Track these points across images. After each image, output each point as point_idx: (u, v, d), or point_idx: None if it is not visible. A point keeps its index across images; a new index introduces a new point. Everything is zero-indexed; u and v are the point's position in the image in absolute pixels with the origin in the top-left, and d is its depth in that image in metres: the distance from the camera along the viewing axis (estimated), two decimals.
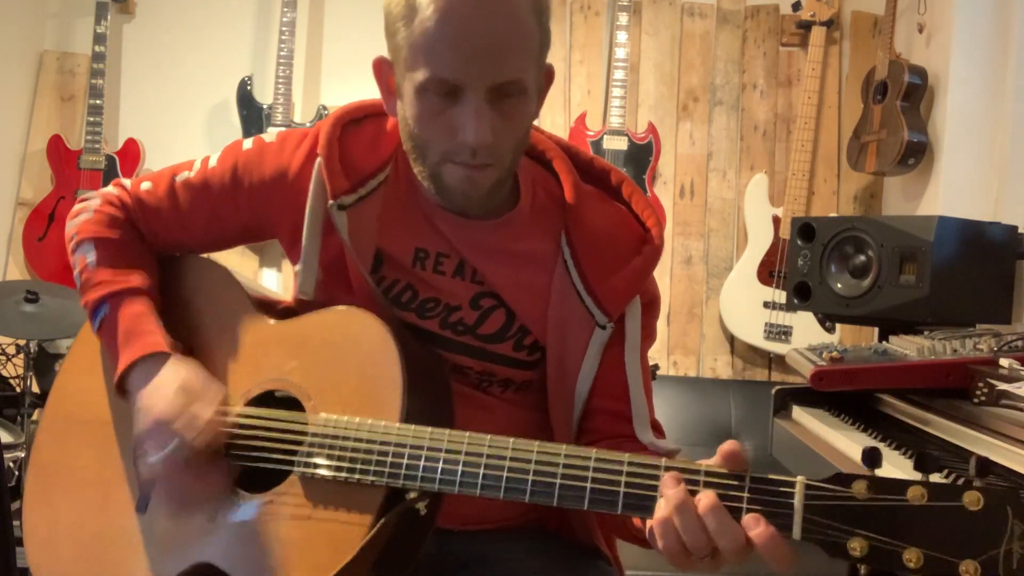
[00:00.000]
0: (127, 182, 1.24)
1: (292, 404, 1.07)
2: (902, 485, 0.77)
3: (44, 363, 2.79)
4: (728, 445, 0.84)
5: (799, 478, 0.80)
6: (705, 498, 0.82)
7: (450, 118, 1.00)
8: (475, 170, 1.02)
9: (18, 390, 2.76)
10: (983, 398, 1.37)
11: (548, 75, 1.10)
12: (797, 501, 0.80)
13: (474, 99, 0.98)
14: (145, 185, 1.21)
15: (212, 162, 1.19)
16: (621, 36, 3.22)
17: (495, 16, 0.97)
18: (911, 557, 0.75)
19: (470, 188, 1.04)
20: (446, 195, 1.06)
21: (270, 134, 1.20)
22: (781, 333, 3.11)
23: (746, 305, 3.16)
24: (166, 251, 1.24)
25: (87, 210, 1.22)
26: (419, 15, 0.97)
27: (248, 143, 1.19)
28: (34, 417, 2.66)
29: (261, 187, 1.15)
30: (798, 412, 1.83)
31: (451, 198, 1.07)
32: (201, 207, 1.18)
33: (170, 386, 1.06)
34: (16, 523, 1.49)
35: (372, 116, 1.17)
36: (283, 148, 1.16)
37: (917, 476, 0.79)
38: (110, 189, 1.24)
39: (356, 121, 1.16)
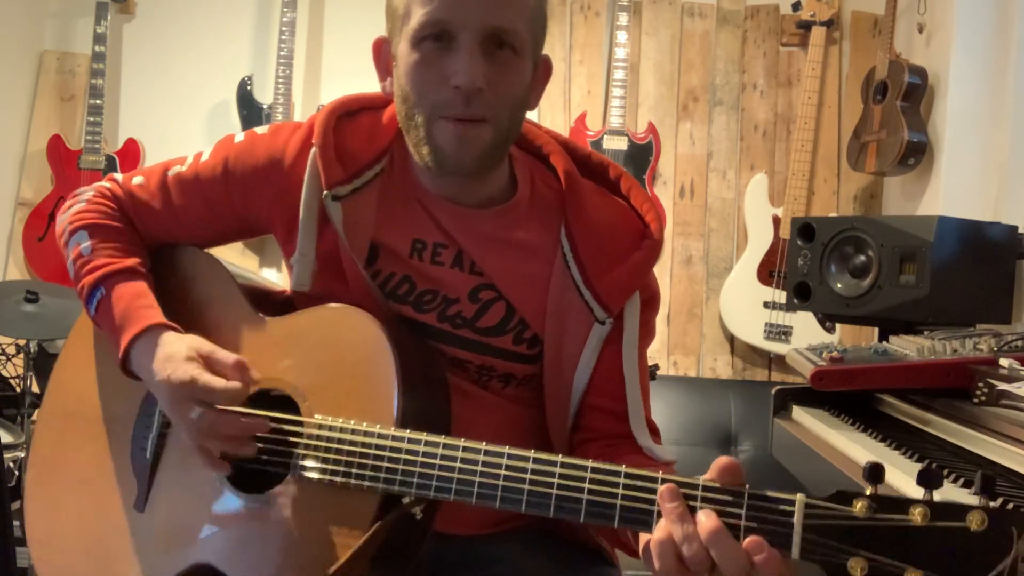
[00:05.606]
0: (120, 176, 1.23)
1: (286, 402, 1.06)
2: (904, 504, 0.75)
3: (44, 363, 2.78)
4: (723, 460, 0.82)
5: (799, 496, 0.78)
6: (708, 520, 0.79)
7: (443, 66, 1.01)
8: (467, 126, 1.02)
9: (18, 390, 2.76)
10: (983, 398, 1.37)
11: (545, 65, 1.11)
12: (796, 520, 0.78)
13: (467, 42, 0.99)
14: (137, 180, 1.20)
15: (204, 156, 1.18)
16: (621, 36, 3.22)
17: None
18: None
19: (461, 148, 1.02)
20: (438, 158, 1.04)
21: (262, 127, 1.18)
22: (781, 333, 3.11)
23: (746, 305, 3.15)
24: (159, 246, 1.22)
25: (80, 200, 1.20)
26: None
27: (240, 136, 1.18)
28: (34, 417, 2.65)
29: (254, 176, 1.14)
30: (798, 412, 1.83)
31: (443, 160, 1.04)
32: (193, 201, 1.17)
33: (182, 353, 1.04)
34: (16, 523, 1.49)
35: (368, 109, 1.16)
36: (276, 137, 1.15)
37: (919, 493, 0.76)
38: (103, 183, 1.22)
39: (351, 114, 1.15)
